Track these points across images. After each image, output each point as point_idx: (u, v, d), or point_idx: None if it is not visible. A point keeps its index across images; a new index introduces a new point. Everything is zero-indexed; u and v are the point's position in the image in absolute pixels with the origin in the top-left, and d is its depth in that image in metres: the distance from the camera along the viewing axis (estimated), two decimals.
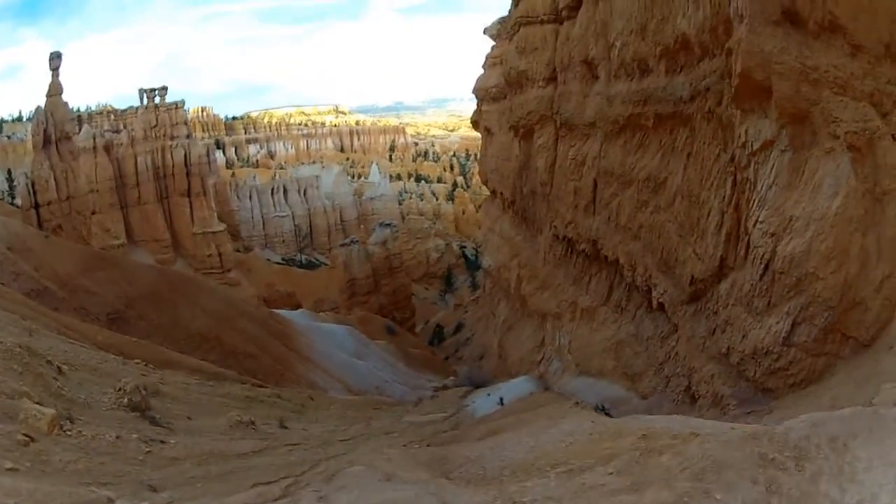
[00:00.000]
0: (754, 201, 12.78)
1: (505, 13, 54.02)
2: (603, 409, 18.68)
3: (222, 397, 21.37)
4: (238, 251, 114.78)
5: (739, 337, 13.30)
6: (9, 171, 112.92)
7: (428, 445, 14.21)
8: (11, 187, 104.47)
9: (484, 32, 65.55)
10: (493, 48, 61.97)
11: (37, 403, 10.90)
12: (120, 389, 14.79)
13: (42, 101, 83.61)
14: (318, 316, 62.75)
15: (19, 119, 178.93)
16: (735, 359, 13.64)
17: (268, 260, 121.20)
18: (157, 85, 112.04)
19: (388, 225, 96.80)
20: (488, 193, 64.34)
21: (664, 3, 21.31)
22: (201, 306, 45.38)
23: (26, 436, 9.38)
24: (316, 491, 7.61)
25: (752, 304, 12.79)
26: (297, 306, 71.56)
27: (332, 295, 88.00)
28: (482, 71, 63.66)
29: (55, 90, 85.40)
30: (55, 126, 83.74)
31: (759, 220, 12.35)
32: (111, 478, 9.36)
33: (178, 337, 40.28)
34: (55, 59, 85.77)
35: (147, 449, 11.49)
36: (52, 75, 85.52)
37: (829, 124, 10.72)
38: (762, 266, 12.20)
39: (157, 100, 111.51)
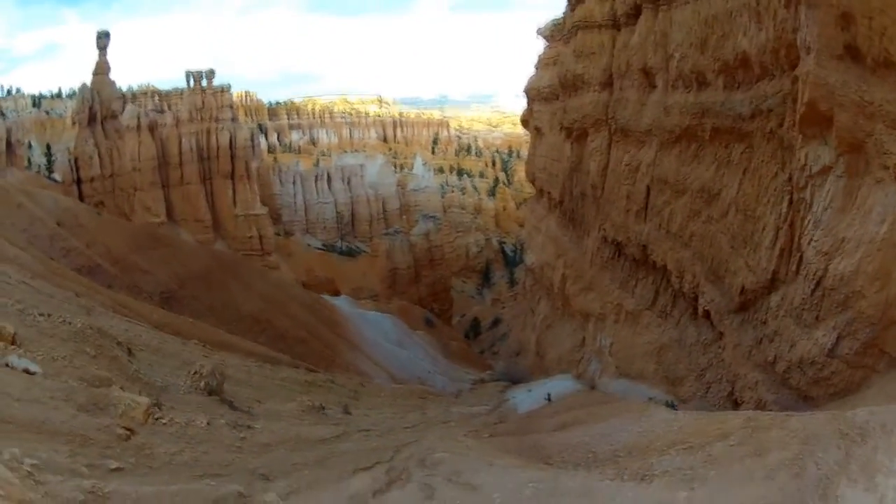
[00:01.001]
0: (809, 221, 13.79)
1: (556, 13, 54.69)
2: (673, 407, 19.64)
3: (282, 381, 22.05)
4: (278, 235, 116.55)
5: (787, 347, 14.34)
6: (48, 147, 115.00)
7: (489, 436, 14.83)
8: (50, 162, 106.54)
9: (537, 33, 66.01)
10: (546, 49, 62.45)
11: (113, 387, 10.83)
12: (196, 373, 14.94)
13: (84, 80, 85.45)
14: (360, 303, 64.14)
15: (58, 96, 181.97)
16: (781, 367, 14.67)
17: (308, 245, 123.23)
18: (198, 69, 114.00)
19: (432, 217, 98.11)
20: (532, 191, 65.31)
21: (725, 20, 22.10)
22: (253, 289, 46.62)
23: (126, 429, 9.19)
24: (429, 475, 8.51)
25: (802, 316, 13.82)
26: (336, 292, 73.17)
27: (370, 283, 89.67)
28: (532, 70, 64.34)
29: (102, 68, 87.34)
30: (101, 104, 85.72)
31: (814, 239, 13.38)
32: (219, 468, 9.29)
33: (230, 318, 41.18)
34: (103, 37, 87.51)
35: (241, 435, 11.48)
36: (100, 54, 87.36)
37: (880, 155, 11.68)
38: (814, 282, 13.23)
39: (204, 82, 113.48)
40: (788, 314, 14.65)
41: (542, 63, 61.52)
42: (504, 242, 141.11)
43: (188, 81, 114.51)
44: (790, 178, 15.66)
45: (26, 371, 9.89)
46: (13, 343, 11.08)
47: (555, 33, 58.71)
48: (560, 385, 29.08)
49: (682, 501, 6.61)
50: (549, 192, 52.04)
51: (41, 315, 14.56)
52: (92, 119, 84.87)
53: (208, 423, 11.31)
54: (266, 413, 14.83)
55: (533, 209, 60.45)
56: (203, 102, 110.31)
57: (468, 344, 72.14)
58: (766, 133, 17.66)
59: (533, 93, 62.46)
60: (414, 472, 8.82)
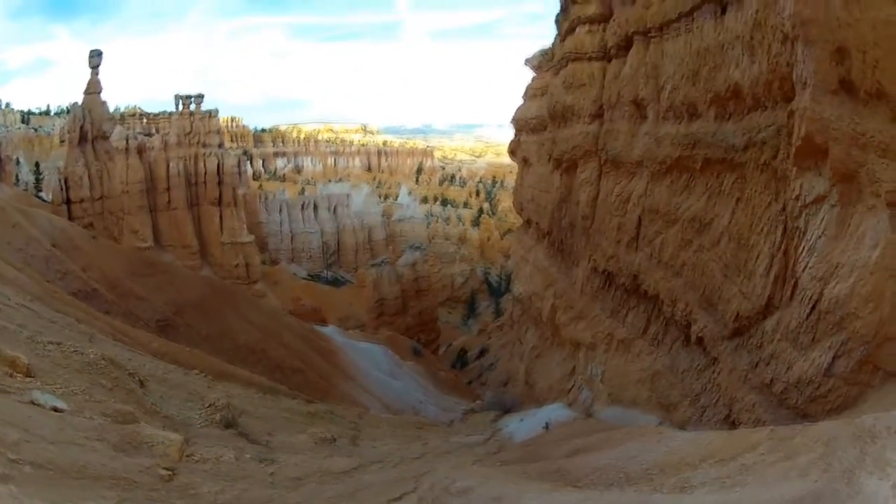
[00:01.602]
0: (804, 248, 14.42)
1: (541, 42, 55.52)
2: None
3: (286, 412, 22.14)
4: (264, 263, 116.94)
5: (784, 368, 14.90)
6: (36, 164, 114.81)
7: (500, 464, 15.18)
8: (38, 180, 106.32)
9: (525, 63, 66.83)
10: (533, 79, 63.14)
11: (138, 423, 10.59)
12: (210, 406, 15.08)
13: (73, 98, 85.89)
14: (348, 333, 64.41)
15: (47, 113, 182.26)
16: (778, 388, 15.23)
17: (294, 274, 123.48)
18: (185, 92, 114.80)
19: (419, 248, 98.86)
20: (518, 221, 65.89)
21: (717, 52, 22.80)
22: (248, 318, 46.73)
23: (167, 469, 8.99)
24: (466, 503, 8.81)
25: (798, 339, 14.39)
26: (323, 321, 73.46)
27: (356, 313, 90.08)
28: (518, 100, 65.13)
29: (94, 88, 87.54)
30: (92, 124, 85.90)
31: (809, 265, 13.99)
32: None
33: (226, 348, 41.16)
34: (95, 56, 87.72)
35: (270, 470, 11.41)
36: (92, 73, 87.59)
37: (872, 184, 12.31)
38: (810, 306, 13.82)
39: (193, 107, 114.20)
40: (784, 337, 15.23)
41: (530, 93, 62.20)
42: (489, 272, 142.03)
43: (177, 105, 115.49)
44: (784, 208, 16.31)
45: (55, 409, 9.60)
46: (28, 375, 10.91)
47: (542, 63, 59.46)
48: (555, 413, 29.53)
49: (733, 499, 7.13)
50: (537, 223, 52.56)
51: (51, 343, 14.44)
52: (83, 139, 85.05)
53: (236, 458, 11.28)
54: (282, 446, 14.82)
55: (520, 240, 60.97)
56: (191, 127, 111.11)
57: (456, 374, 72.48)
58: (759, 164, 18.32)
59: (520, 123, 63.11)
60: (449, 500, 9.11)
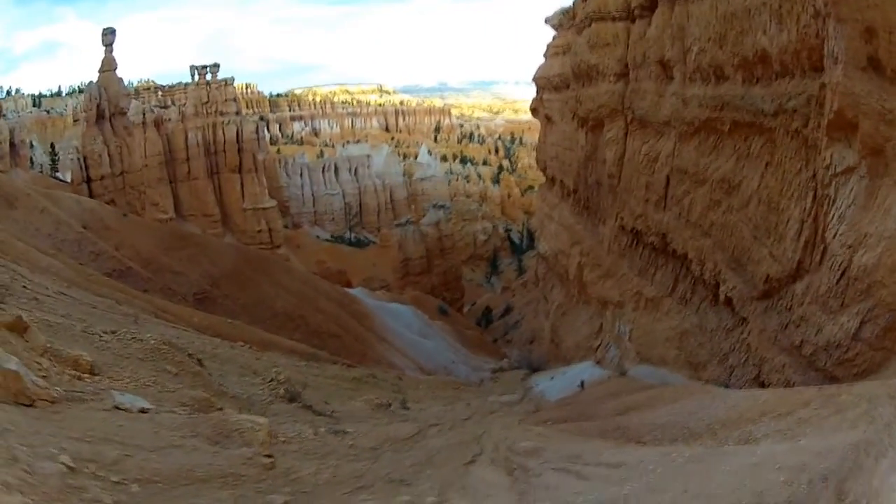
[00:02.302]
0: (834, 216, 15.14)
1: (563, 2, 55.17)
2: None
3: (333, 379, 22.75)
4: (286, 227, 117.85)
5: (814, 331, 15.69)
6: (51, 146, 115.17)
7: (550, 423, 15.83)
8: (54, 161, 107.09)
9: (545, 22, 66.69)
10: (554, 38, 63.12)
11: (219, 409, 10.73)
12: (272, 380, 15.42)
13: (84, 78, 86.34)
14: (375, 294, 65.19)
15: (58, 94, 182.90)
16: (808, 350, 16.03)
17: (317, 237, 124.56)
18: (200, 63, 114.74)
19: (442, 206, 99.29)
20: (538, 178, 65.95)
21: (744, 17, 23.13)
22: (283, 286, 47.10)
23: (267, 456, 8.82)
24: (544, 462, 9.49)
25: (828, 303, 15.15)
26: (348, 283, 74.24)
27: (381, 273, 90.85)
28: (535, 57, 65.06)
29: (109, 65, 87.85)
30: (109, 101, 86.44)
31: (839, 233, 14.71)
32: (363, 481, 9.15)
33: (264, 316, 41.57)
34: (109, 34, 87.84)
35: (348, 442, 11.32)
36: (106, 51, 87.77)
37: None
38: (839, 272, 14.57)
39: (209, 76, 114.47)
40: (814, 301, 15.98)
41: (552, 52, 62.19)
42: (510, 230, 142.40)
43: (192, 75, 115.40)
44: (814, 175, 16.97)
45: (142, 410, 9.40)
46: (93, 372, 10.62)
47: (563, 22, 59.38)
48: (587, 372, 30.19)
49: (800, 447, 7.96)
50: (561, 181, 53.03)
51: (105, 333, 14.37)
52: (100, 116, 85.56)
53: (315, 434, 11.32)
54: (345, 415, 15.01)
55: (544, 197, 61.36)
56: (208, 96, 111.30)
57: (481, 332, 73.33)
58: (790, 131, 18.90)
59: (542, 81, 63.24)
60: (523, 461, 9.68)
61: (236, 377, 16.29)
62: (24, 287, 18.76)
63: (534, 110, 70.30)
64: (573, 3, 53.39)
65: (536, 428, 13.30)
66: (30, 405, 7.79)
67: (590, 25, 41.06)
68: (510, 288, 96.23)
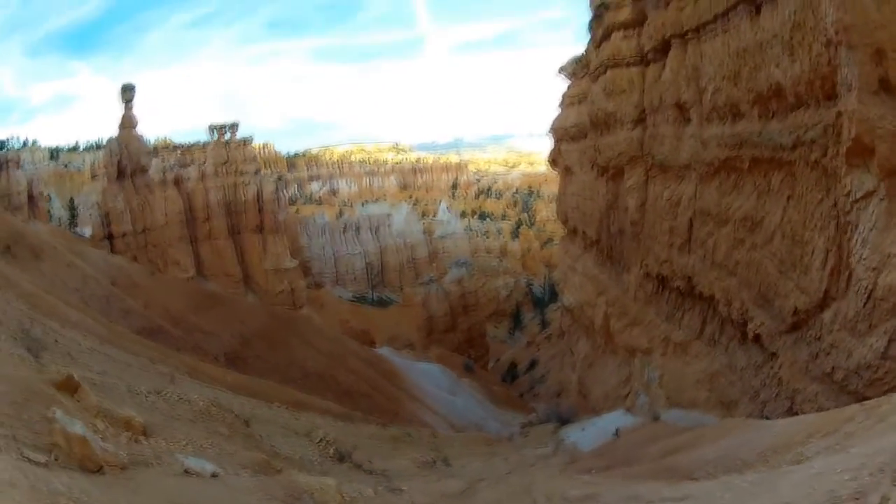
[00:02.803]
0: (857, 241, 15.42)
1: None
2: None
3: (370, 438, 22.96)
4: (308, 287, 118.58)
5: (844, 356, 15.87)
6: (71, 200, 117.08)
7: (589, 470, 16.19)
8: (73, 216, 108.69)
9: (559, 72, 67.73)
10: (569, 87, 63.83)
11: (279, 471, 10.81)
12: (321, 441, 15.75)
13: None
14: (401, 354, 65.36)
15: (75, 149, 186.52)
16: (839, 376, 16.18)
17: (339, 297, 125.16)
18: (214, 121, 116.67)
19: (463, 264, 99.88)
20: (558, 232, 66.28)
21: (756, 52, 23.64)
22: (313, 345, 47.11)
23: None
24: None
25: (856, 327, 15.36)
26: (372, 343, 74.61)
27: (404, 332, 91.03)
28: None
29: (129, 122, 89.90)
30: (130, 158, 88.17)
31: (863, 257, 14.99)
32: None
33: (295, 376, 41.55)
34: (128, 91, 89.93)
35: (407, 499, 11.61)
36: (125, 107, 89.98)
37: None
38: (866, 295, 14.80)
39: (228, 135, 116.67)
40: (843, 327, 16.18)
41: (567, 101, 62.82)
42: (531, 284, 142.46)
43: (211, 134, 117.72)
44: (835, 204, 17.27)
45: (213, 475, 9.37)
46: (144, 434, 10.58)
47: (577, 71, 60.25)
48: (618, 420, 30.13)
49: (853, 454, 8.20)
50: (583, 231, 53.28)
51: (151, 393, 14.46)
52: (121, 173, 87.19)
53: (375, 493, 11.50)
54: (394, 473, 15.17)
55: (567, 249, 61.55)
56: (228, 156, 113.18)
57: (507, 388, 73.23)
58: (809, 162, 19.24)
59: (559, 132, 63.80)
60: None
61: (282, 437, 16.42)
62: (56, 342, 18.88)
63: (552, 162, 70.84)
64: (585, 52, 54.33)
65: (582, 476, 13.52)
66: (97, 471, 7.67)
67: (605, 73, 41.77)
68: (534, 342, 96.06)
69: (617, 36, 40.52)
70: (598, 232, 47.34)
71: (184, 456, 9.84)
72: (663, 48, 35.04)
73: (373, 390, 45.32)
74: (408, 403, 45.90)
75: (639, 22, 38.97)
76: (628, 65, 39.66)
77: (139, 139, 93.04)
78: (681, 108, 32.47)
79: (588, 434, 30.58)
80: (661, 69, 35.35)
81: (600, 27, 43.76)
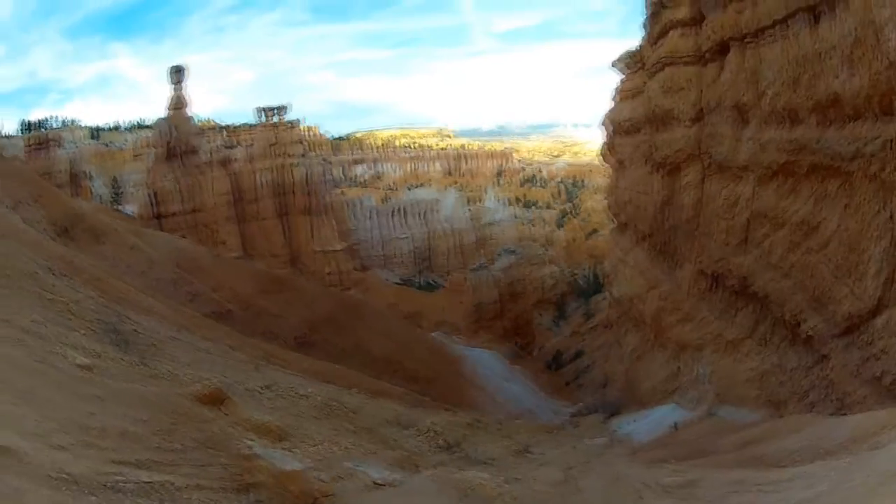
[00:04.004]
0: None
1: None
2: None
3: (451, 425, 22.56)
4: (355, 270, 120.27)
5: (894, 362, 17.13)
6: (114, 179, 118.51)
7: (664, 460, 17.06)
8: (117, 194, 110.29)
9: (612, 65, 68.10)
10: (623, 81, 64.24)
11: (416, 466, 11.04)
12: (429, 431, 16.25)
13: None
14: (451, 339, 66.37)
15: (116, 128, 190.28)
16: (888, 381, 17.45)
17: (386, 280, 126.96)
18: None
19: (513, 251, 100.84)
20: (602, 223, 66.63)
21: (815, 60, 24.48)
22: (379, 330, 48.29)
23: None
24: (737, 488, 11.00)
25: None
26: (419, 327, 75.97)
27: (450, 317, 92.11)
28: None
29: (179, 103, 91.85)
30: (180, 139, 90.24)
31: None
32: None
33: (363, 361, 41.63)
34: (178, 72, 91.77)
35: (532, 489, 11.64)
36: (175, 88, 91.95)
37: None
38: None
39: (276, 118, 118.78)
40: (895, 334, 17.40)
41: (621, 95, 63.17)
42: (576, 273, 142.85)
43: (259, 117, 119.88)
44: (892, 217, 18.48)
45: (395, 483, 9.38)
46: (281, 438, 10.42)
47: (631, 65, 60.74)
48: (673, 413, 31.26)
49: None
50: (635, 225, 53.96)
51: (262, 389, 14.59)
52: (170, 154, 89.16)
53: (506, 482, 11.44)
54: (499, 461, 15.59)
55: (617, 241, 62.28)
56: (276, 138, 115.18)
57: (552, 376, 74.22)
58: (867, 174, 20.38)
59: (613, 125, 64.32)
60: (694, 492, 10.96)
61: (393, 429, 16.49)
62: (136, 331, 18.52)
63: (604, 154, 71.45)
64: (640, 47, 54.98)
65: (665, 465, 14.54)
66: None
67: (662, 70, 42.55)
68: (579, 332, 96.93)
69: (675, 34, 41.27)
70: (651, 227, 48.09)
71: (352, 464, 9.77)
72: (721, 49, 35.81)
73: (437, 376, 46.08)
74: (470, 389, 46.92)
75: (696, 21, 39.71)
76: (686, 63, 40.38)
77: (189, 120, 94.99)
78: (739, 109, 33.25)
79: (640, 426, 31.83)
80: (719, 69, 36.13)
81: (657, 24, 44.59)
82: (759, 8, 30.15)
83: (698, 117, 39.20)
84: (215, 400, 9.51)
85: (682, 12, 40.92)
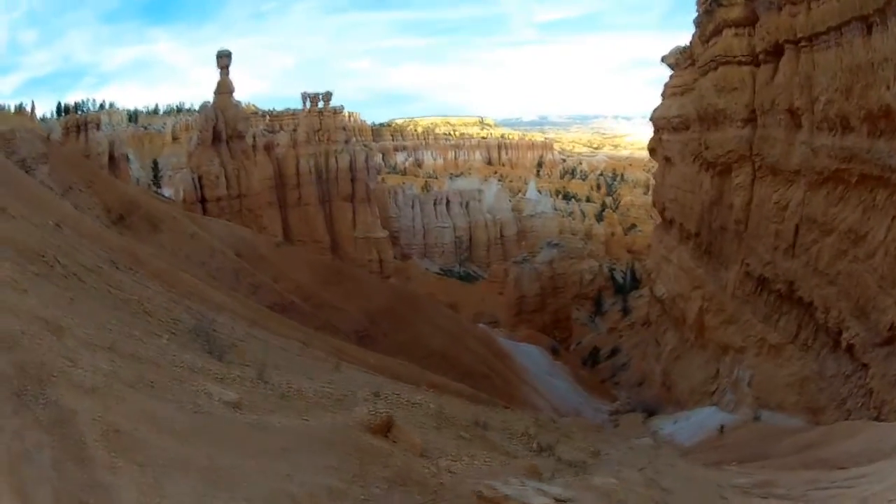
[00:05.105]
0: None
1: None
2: None
3: (515, 423, 23.31)
4: (395, 258, 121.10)
5: None
6: (154, 162, 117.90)
7: (723, 463, 18.00)
8: (157, 177, 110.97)
9: (662, 61, 68.35)
10: (672, 77, 64.36)
11: (539, 475, 10.51)
12: (523, 434, 16.08)
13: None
14: (495, 332, 66.44)
15: (155, 112, 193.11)
16: None
17: (426, 269, 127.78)
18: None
19: (555, 245, 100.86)
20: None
21: (868, 70, 25.08)
22: (435, 324, 48.23)
23: None
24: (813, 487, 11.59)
25: None
26: None
27: (490, 309, 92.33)
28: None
29: (225, 88, 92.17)
30: (226, 123, 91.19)
31: None
32: None
33: (420, 355, 41.05)
34: (224, 57, 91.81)
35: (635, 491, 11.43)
36: (221, 73, 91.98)
37: None
38: None
39: (321, 104, 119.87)
40: None
41: (669, 92, 63.19)
42: (613, 269, 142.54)
43: (304, 102, 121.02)
44: None
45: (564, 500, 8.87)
46: (422, 455, 9.55)
47: (680, 62, 60.91)
48: (714, 416, 31.77)
49: None
50: (681, 223, 54.18)
51: (376, 398, 13.75)
52: (216, 138, 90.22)
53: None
54: (588, 464, 14.80)
55: (661, 238, 62.43)
56: (320, 124, 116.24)
57: (589, 372, 74.55)
58: None
59: (661, 122, 64.21)
60: (773, 491, 11.46)
61: (495, 433, 15.67)
62: (215, 331, 17.42)
63: (652, 150, 71.49)
64: (691, 44, 55.13)
65: (729, 467, 15.37)
66: None
67: (715, 69, 42.78)
68: (616, 329, 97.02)
69: (728, 33, 41.56)
70: (697, 225, 48.35)
71: (518, 482, 9.06)
72: (775, 51, 36.24)
73: (490, 371, 45.65)
74: (519, 385, 46.66)
75: (750, 21, 40.06)
76: (740, 63, 40.69)
77: (236, 105, 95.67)
78: (793, 113, 33.70)
79: (682, 427, 32.39)
80: (772, 71, 36.49)
81: (710, 22, 44.82)
82: (813, 13, 30.59)
83: (751, 118, 39.56)
84: (386, 428, 8.95)
85: (737, 12, 41.25)
